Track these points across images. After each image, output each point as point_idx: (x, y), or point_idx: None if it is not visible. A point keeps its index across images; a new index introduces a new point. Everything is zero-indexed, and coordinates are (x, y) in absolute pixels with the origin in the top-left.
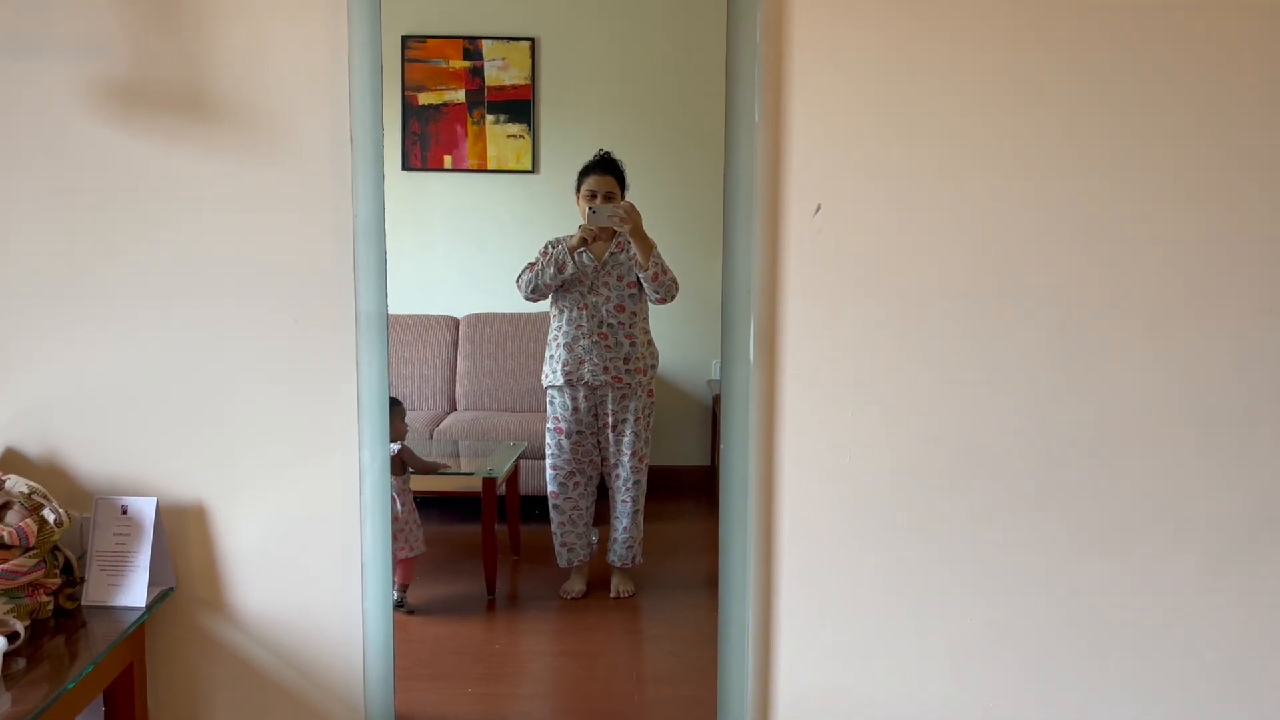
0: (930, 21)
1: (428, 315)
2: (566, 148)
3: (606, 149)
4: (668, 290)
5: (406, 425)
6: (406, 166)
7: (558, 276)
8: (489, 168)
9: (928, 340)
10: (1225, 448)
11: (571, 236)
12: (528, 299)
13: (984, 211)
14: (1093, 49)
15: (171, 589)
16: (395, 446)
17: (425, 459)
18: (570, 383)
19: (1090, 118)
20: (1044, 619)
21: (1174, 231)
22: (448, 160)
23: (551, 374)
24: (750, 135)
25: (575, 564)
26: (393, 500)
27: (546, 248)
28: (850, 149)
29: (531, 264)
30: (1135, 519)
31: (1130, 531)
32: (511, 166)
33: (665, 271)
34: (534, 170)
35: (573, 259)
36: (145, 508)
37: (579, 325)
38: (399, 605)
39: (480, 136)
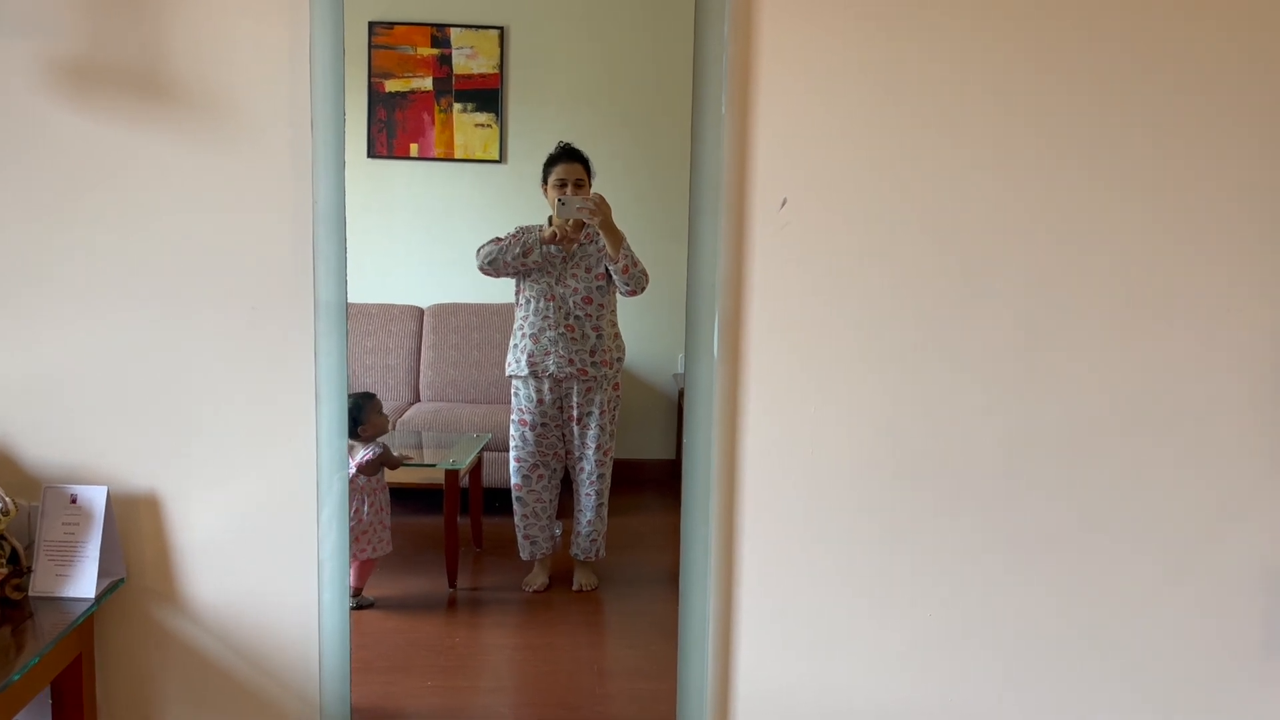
0: (896, 20)
1: (392, 305)
2: (534, 138)
3: (569, 141)
4: (638, 282)
5: (387, 419)
6: (372, 154)
7: (520, 259)
8: (456, 156)
9: (891, 336)
10: (1186, 446)
11: (543, 229)
12: (482, 270)
13: (948, 209)
14: (1057, 50)
15: (122, 580)
16: (375, 449)
17: (399, 455)
18: (535, 374)
19: (1055, 118)
20: (1003, 615)
21: (1137, 232)
22: (414, 148)
23: (516, 364)
24: (716, 129)
25: (538, 557)
26: (361, 502)
27: (519, 232)
28: (816, 144)
29: (498, 239)
30: (1096, 516)
31: (1090, 529)
32: (479, 156)
33: (635, 264)
34: (501, 160)
35: (539, 250)
36: (95, 497)
37: (545, 316)
38: (355, 607)
39: (447, 125)
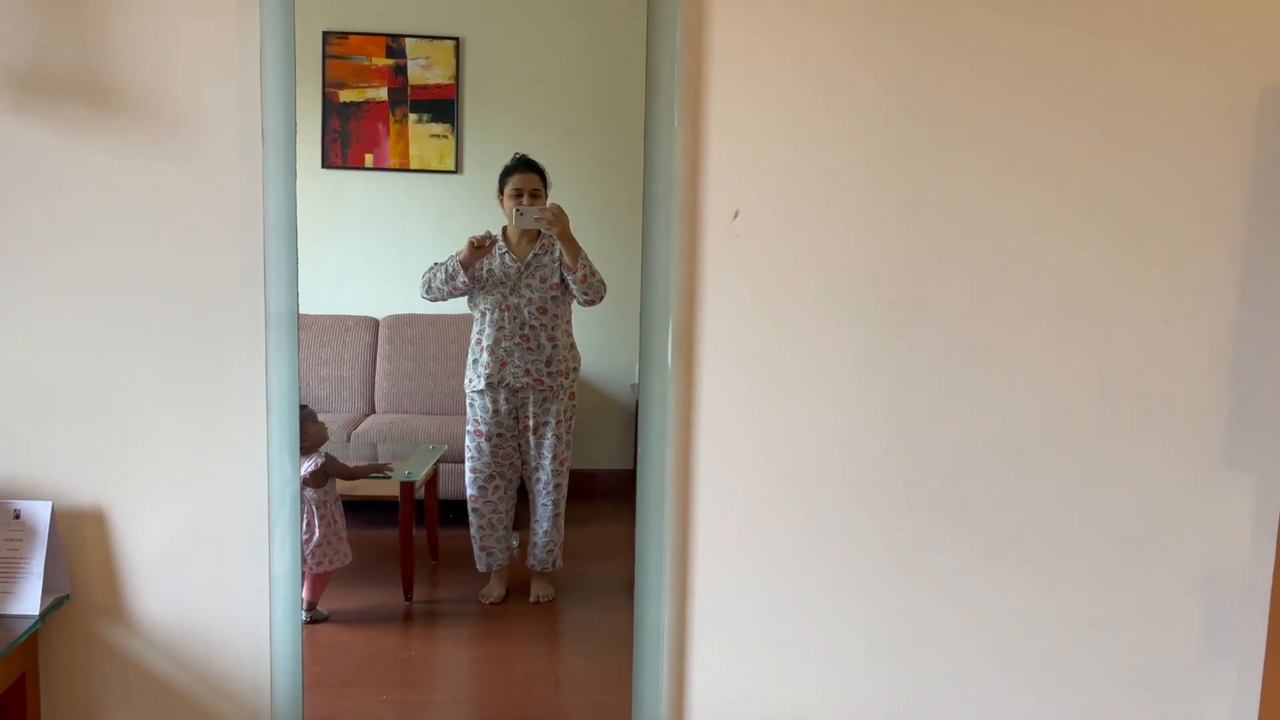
0: (847, 32)
1: (347, 315)
2: (490, 148)
3: (524, 153)
4: (596, 292)
5: (325, 426)
6: (326, 164)
7: (449, 284)
8: (411, 167)
9: (841, 345)
10: (1127, 453)
11: (461, 251)
12: (423, 298)
13: (897, 219)
14: (1000, 63)
15: (67, 596)
16: (318, 459)
17: (351, 465)
18: (491, 385)
19: (998, 129)
20: (953, 618)
21: (1077, 242)
22: (369, 159)
23: (476, 379)
24: (670, 139)
25: (495, 568)
26: (312, 515)
27: (447, 260)
28: (768, 156)
29: (435, 264)
30: (1039, 523)
31: (1034, 535)
32: (434, 166)
33: (594, 273)
34: (457, 170)
35: (464, 273)
36: (40, 512)
37: (500, 327)
38: (309, 621)
39: (403, 135)
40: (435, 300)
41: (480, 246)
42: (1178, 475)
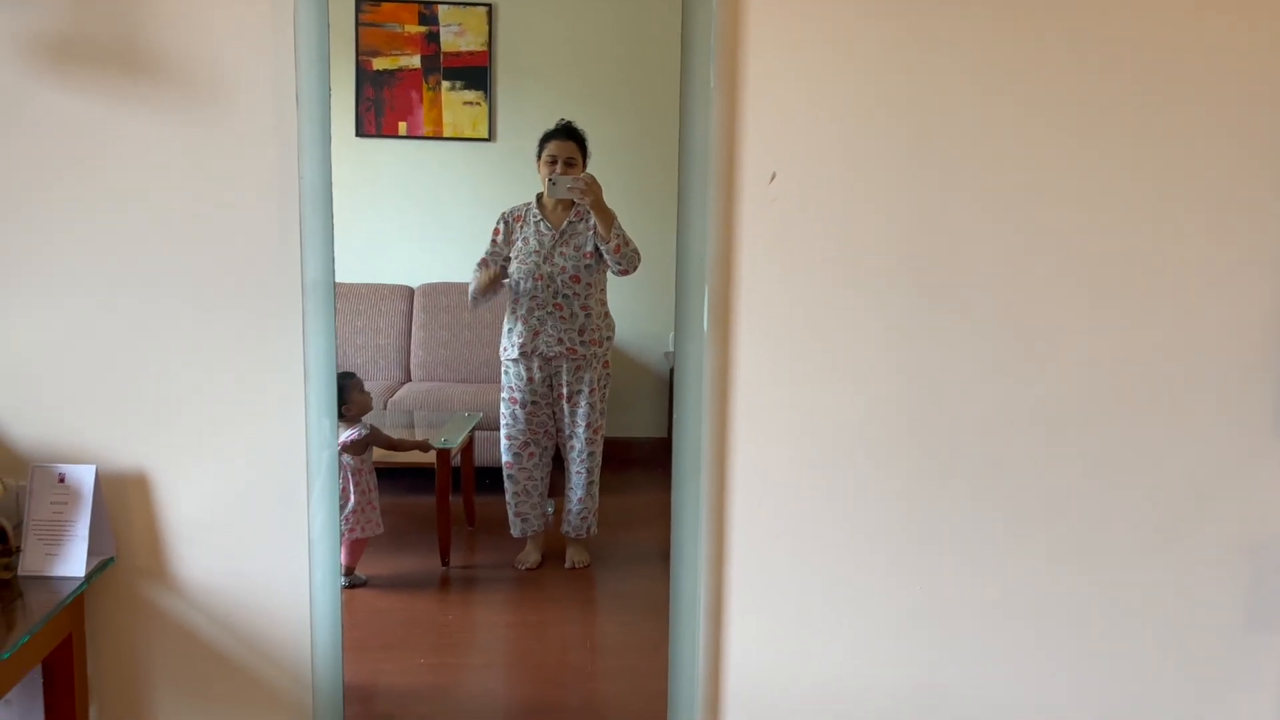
0: None
1: (382, 285)
2: (523, 115)
3: (567, 118)
4: (629, 261)
5: (370, 396)
6: (360, 133)
7: (485, 292)
8: (445, 135)
9: (879, 312)
10: (1171, 423)
11: (483, 265)
12: (473, 307)
13: (938, 184)
14: (1048, 29)
15: (111, 559)
16: (362, 429)
17: (393, 436)
18: (525, 354)
19: (1045, 97)
20: (987, 589)
21: (1121, 209)
22: (402, 127)
23: (510, 347)
24: (705, 102)
25: (529, 534)
26: (347, 482)
27: (498, 224)
28: (805, 118)
29: (482, 260)
30: (1082, 493)
31: (1077, 505)
32: (467, 134)
33: (627, 243)
34: (490, 138)
35: (485, 295)
36: (84, 476)
37: (534, 296)
38: (347, 586)
39: (436, 103)
40: (484, 303)
41: (493, 279)
42: (1220, 444)
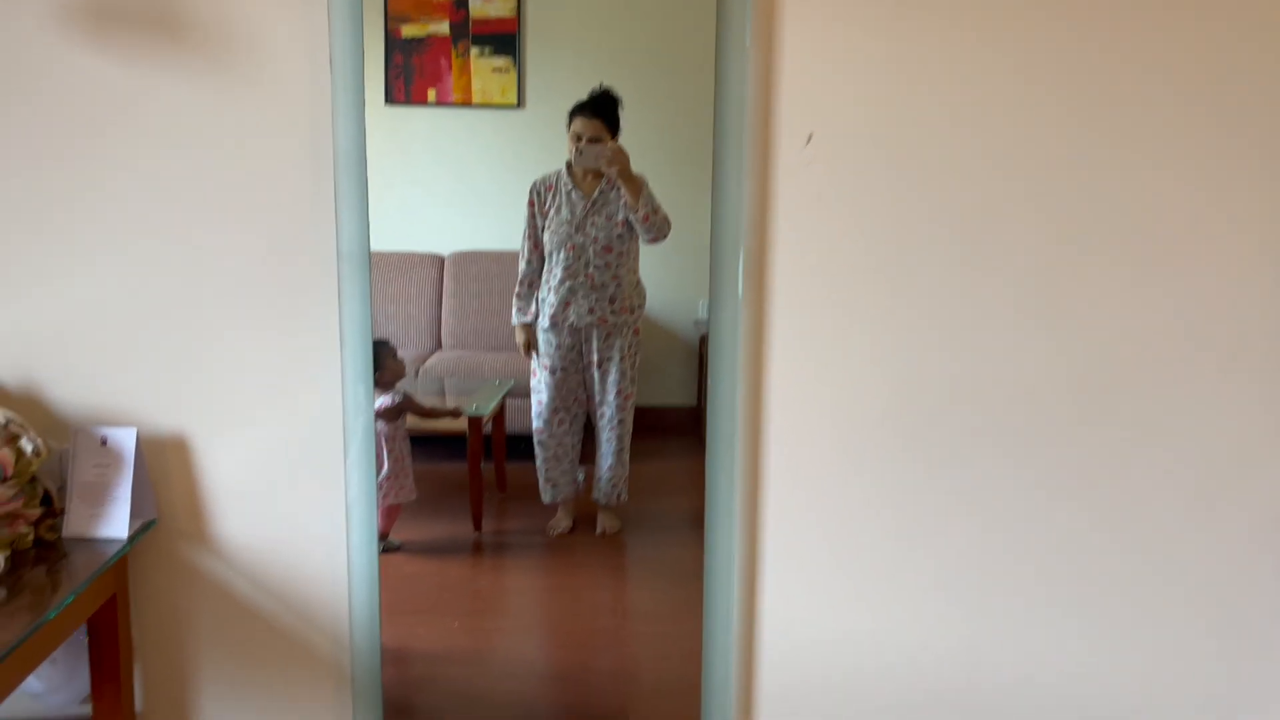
0: None
1: (412, 253)
2: (552, 81)
3: (597, 84)
4: (659, 230)
5: (403, 363)
6: (389, 101)
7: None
8: (474, 102)
9: (917, 274)
10: (1214, 383)
11: (519, 325)
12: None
13: (977, 145)
14: None
15: (153, 521)
16: (396, 396)
17: (428, 405)
18: (555, 324)
19: (1085, 57)
20: (1028, 554)
21: (1164, 166)
22: (431, 94)
23: (541, 316)
24: (741, 62)
25: (560, 500)
26: (381, 448)
27: (531, 196)
28: (843, 78)
29: (520, 273)
30: (1123, 453)
31: (1118, 465)
32: (496, 101)
33: (656, 211)
34: (519, 105)
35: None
36: (125, 439)
37: (566, 267)
38: (382, 551)
39: (465, 70)
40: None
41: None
42: (1261, 413)
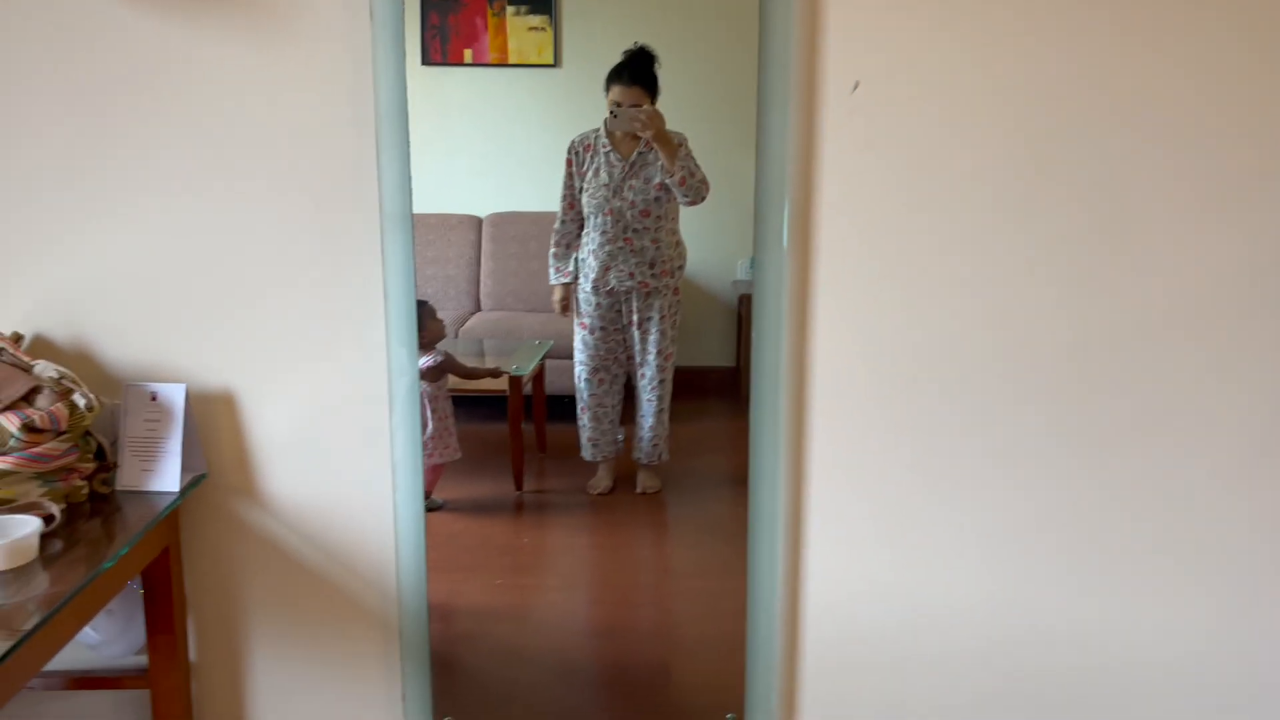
0: None
1: (450, 214)
2: (589, 40)
3: (635, 44)
4: (696, 192)
5: (443, 323)
6: (426, 61)
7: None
8: (510, 62)
9: (966, 223)
10: (1262, 341)
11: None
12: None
13: (1025, 91)
14: None
15: (204, 475)
16: (437, 356)
17: (469, 365)
18: (596, 288)
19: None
20: (1077, 508)
21: (1222, 115)
22: (468, 54)
23: (582, 279)
24: (785, 9)
25: (600, 458)
26: (424, 408)
27: (569, 155)
28: (889, 24)
29: (556, 232)
30: (1169, 411)
31: (1163, 424)
32: (533, 60)
33: (693, 174)
34: (556, 64)
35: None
36: (174, 394)
37: (604, 231)
38: (425, 509)
39: (501, 29)
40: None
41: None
42: None
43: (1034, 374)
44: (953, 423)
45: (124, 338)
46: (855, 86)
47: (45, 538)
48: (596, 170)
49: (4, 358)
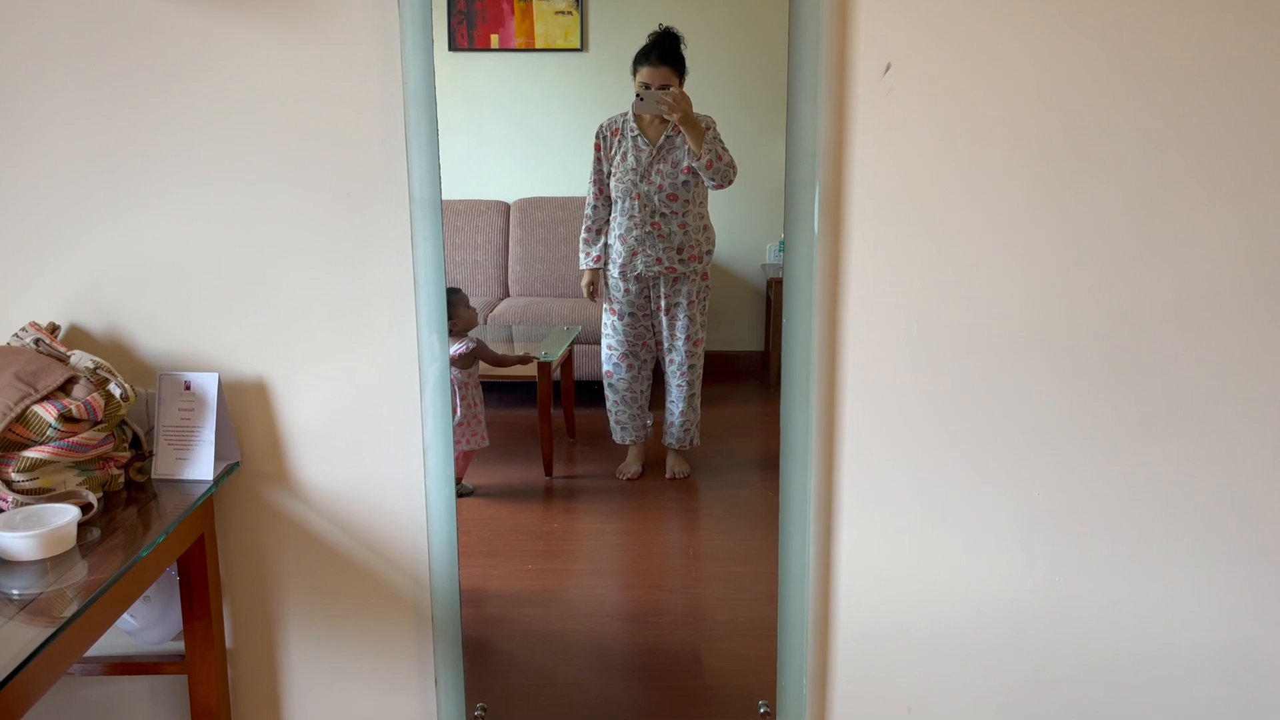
0: None
1: (478, 200)
2: (616, 23)
3: (664, 25)
4: (724, 176)
5: (475, 311)
6: (453, 47)
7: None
8: (536, 46)
9: (1000, 206)
10: None
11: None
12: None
13: (1062, 71)
14: None
15: (237, 463)
16: (469, 343)
17: (499, 352)
18: (624, 273)
19: None
20: (1111, 493)
21: (1263, 98)
22: (494, 39)
23: (610, 264)
24: None
25: (630, 442)
26: (455, 395)
27: (597, 140)
28: (921, 5)
29: (586, 217)
30: (1209, 394)
31: (1203, 406)
32: (560, 45)
33: (720, 157)
34: (583, 48)
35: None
36: (208, 384)
37: (631, 215)
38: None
39: (527, 13)
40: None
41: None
42: None
43: (1067, 357)
44: (989, 405)
45: (158, 328)
46: (887, 69)
47: (83, 526)
48: (624, 154)
49: (41, 348)
